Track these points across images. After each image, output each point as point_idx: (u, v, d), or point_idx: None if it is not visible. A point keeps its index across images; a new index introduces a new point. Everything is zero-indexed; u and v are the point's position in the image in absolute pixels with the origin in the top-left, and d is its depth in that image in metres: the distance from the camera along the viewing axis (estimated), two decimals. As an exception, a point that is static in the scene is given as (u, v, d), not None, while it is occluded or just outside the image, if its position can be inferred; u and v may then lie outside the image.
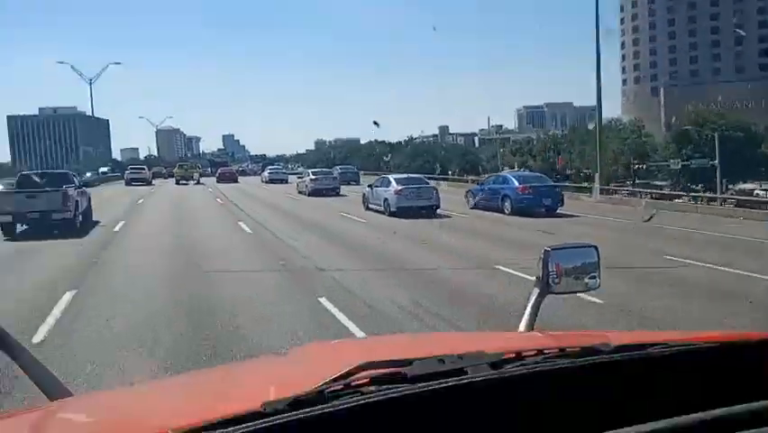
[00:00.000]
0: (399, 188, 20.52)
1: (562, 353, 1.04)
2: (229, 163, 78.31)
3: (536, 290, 1.80)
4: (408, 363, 0.95)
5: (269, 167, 60.32)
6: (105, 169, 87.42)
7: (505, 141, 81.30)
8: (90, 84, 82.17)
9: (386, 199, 20.75)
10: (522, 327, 1.76)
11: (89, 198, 19.15)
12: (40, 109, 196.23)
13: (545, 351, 1.04)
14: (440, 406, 0.90)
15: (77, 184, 17.99)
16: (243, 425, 0.80)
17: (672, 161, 38.96)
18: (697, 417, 0.87)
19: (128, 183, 47.63)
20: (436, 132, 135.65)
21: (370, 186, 23.58)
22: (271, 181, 48.66)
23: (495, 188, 21.94)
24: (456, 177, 47.77)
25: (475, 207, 22.49)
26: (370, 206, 22.16)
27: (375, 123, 66.45)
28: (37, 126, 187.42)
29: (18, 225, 16.15)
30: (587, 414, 0.89)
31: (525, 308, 1.79)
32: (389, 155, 73.38)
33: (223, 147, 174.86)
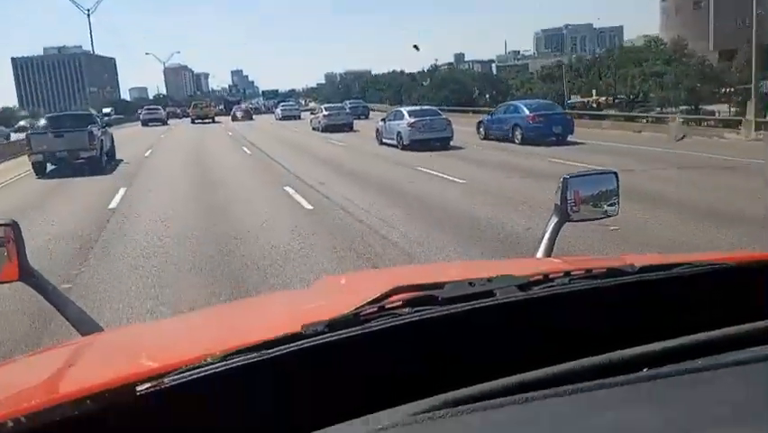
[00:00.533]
0: (412, 120, 20.88)
1: (588, 274, 1.07)
2: (243, 101, 78.68)
3: (554, 218, 1.84)
4: (439, 286, 0.99)
5: (282, 104, 60.67)
6: (107, 110, 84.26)
7: (522, 67, 78.50)
8: (88, 15, 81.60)
9: (399, 133, 21.17)
10: (539, 254, 1.80)
11: (112, 138, 20.37)
12: (44, 49, 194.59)
13: (572, 273, 1.07)
14: (471, 326, 0.94)
15: (101, 124, 19.05)
16: (284, 346, 0.84)
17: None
18: (721, 332, 0.89)
19: (144, 124, 48.81)
20: (451, 60, 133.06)
21: (383, 120, 23.99)
22: (284, 118, 49.40)
23: (505, 118, 22.40)
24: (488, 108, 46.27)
25: (486, 137, 23.14)
26: (384, 140, 22.51)
27: (415, 46, 64.89)
28: (42, 67, 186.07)
29: (48, 165, 17.36)
30: (615, 333, 0.91)
31: (543, 236, 1.84)
32: (427, 80, 70.12)
33: (232, 83, 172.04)
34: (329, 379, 0.86)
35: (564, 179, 1.81)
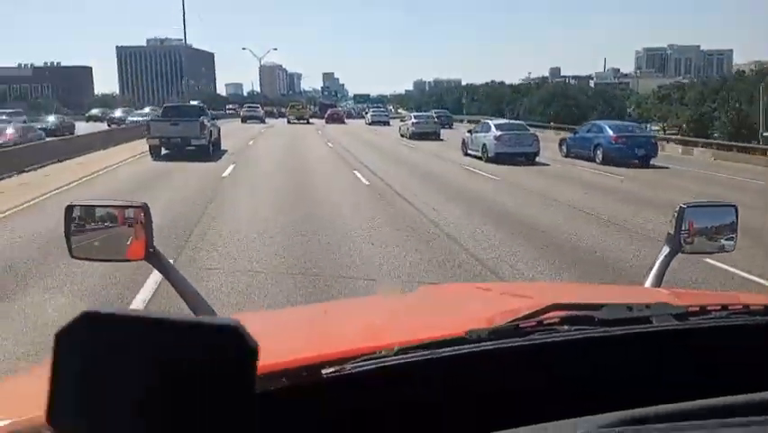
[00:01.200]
0: (499, 133, 21.72)
1: (746, 310, 1.09)
2: (337, 105, 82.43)
3: (666, 248, 1.81)
4: (596, 307, 1.02)
5: (373, 109, 64.73)
6: (194, 102, 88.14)
7: (623, 85, 76.64)
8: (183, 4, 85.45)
9: (484, 145, 22.09)
10: (648, 283, 1.77)
11: (219, 130, 22.88)
12: (147, 40, 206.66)
13: (729, 307, 1.09)
14: (628, 351, 0.97)
15: (210, 116, 21.46)
16: (450, 348, 0.90)
17: None
18: None
19: (244, 120, 52.60)
20: (545, 73, 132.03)
21: (469, 131, 25.16)
22: (374, 123, 52.90)
23: (588, 137, 23.15)
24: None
25: (567, 155, 24.00)
26: (469, 151, 23.55)
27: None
28: (144, 57, 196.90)
29: (162, 150, 19.89)
30: None
31: (653, 265, 1.81)
32: (531, 93, 70.24)
33: (324, 86, 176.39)
34: (490, 384, 0.92)
35: (681, 208, 1.78)
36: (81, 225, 1.64)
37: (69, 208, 1.62)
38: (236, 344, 0.48)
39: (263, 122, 53.48)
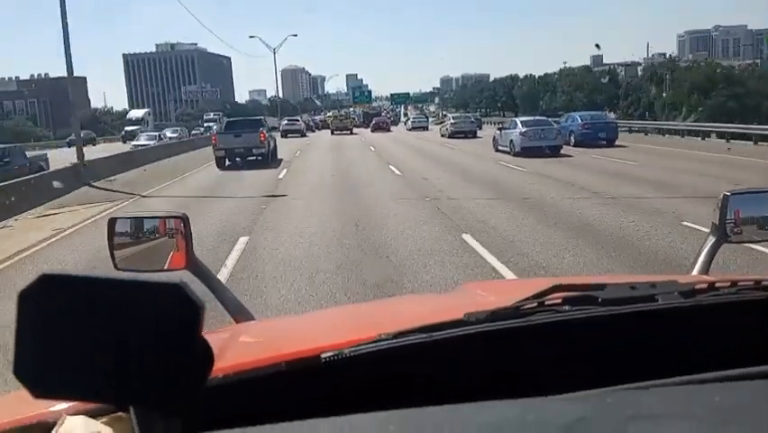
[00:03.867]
0: (524, 129, 26.77)
1: (757, 286, 1.13)
2: (381, 113, 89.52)
3: (711, 238, 1.93)
4: (600, 288, 1.10)
5: (413, 116, 75.52)
6: (212, 115, 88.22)
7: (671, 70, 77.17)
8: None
9: (511, 141, 27.19)
10: (694, 274, 1.88)
11: (275, 140, 28.82)
12: (156, 46, 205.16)
13: (739, 283, 1.14)
14: (631, 330, 1.04)
15: (268, 127, 27.19)
16: (447, 331, 0.98)
17: None
18: None
19: (284, 135, 54.15)
20: (585, 62, 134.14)
21: (499, 129, 30.92)
22: (414, 129, 62.19)
23: (566, 126, 31.10)
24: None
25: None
26: (499, 147, 28.83)
27: (597, 45, 69.12)
28: (153, 64, 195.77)
29: (226, 160, 25.06)
30: None
31: (699, 255, 1.94)
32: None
33: (352, 86, 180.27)
34: (489, 365, 1.01)
35: (724, 196, 1.87)
36: (124, 237, 1.88)
37: (112, 221, 1.86)
38: (180, 301, 0.59)
39: (304, 135, 56.15)
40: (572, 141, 29.94)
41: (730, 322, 1.07)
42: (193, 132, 72.17)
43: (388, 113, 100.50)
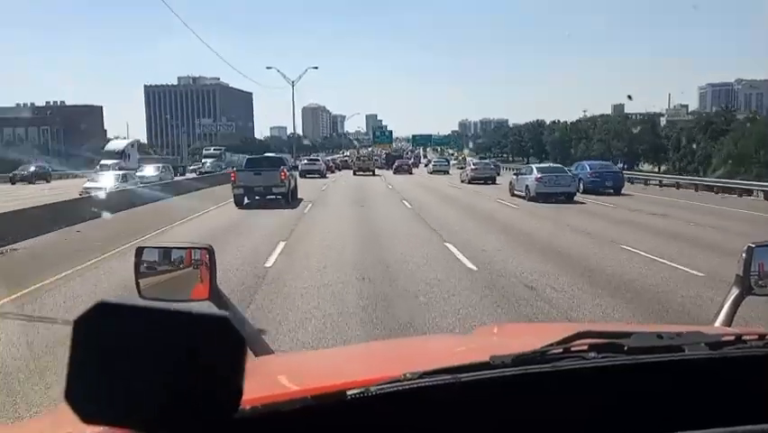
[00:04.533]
0: (539, 175, 27.80)
1: None
2: (403, 155, 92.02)
3: (735, 290, 1.94)
4: (626, 335, 1.10)
5: (434, 160, 78.62)
6: (212, 150, 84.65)
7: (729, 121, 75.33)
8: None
9: (527, 186, 28.13)
10: (717, 325, 1.90)
11: (296, 178, 29.16)
12: (179, 79, 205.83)
13: (767, 337, 1.13)
14: (657, 379, 1.04)
15: (289, 166, 28.01)
16: (473, 372, 0.99)
17: None
18: None
19: (302, 175, 51.79)
20: (606, 111, 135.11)
21: (515, 174, 32.02)
22: (434, 172, 65.10)
23: (575, 173, 32.19)
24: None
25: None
26: (515, 192, 29.75)
27: (629, 97, 71.17)
28: (174, 96, 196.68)
29: (245, 198, 24.57)
30: None
31: (722, 307, 1.95)
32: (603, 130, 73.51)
33: (372, 127, 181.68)
34: (515, 410, 1.01)
35: (749, 248, 1.89)
36: (150, 266, 1.94)
37: (140, 250, 1.92)
38: (225, 332, 0.61)
39: (324, 176, 54.88)
40: (581, 188, 31.20)
41: (757, 375, 1.08)
42: (191, 167, 71.20)
43: (408, 154, 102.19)
